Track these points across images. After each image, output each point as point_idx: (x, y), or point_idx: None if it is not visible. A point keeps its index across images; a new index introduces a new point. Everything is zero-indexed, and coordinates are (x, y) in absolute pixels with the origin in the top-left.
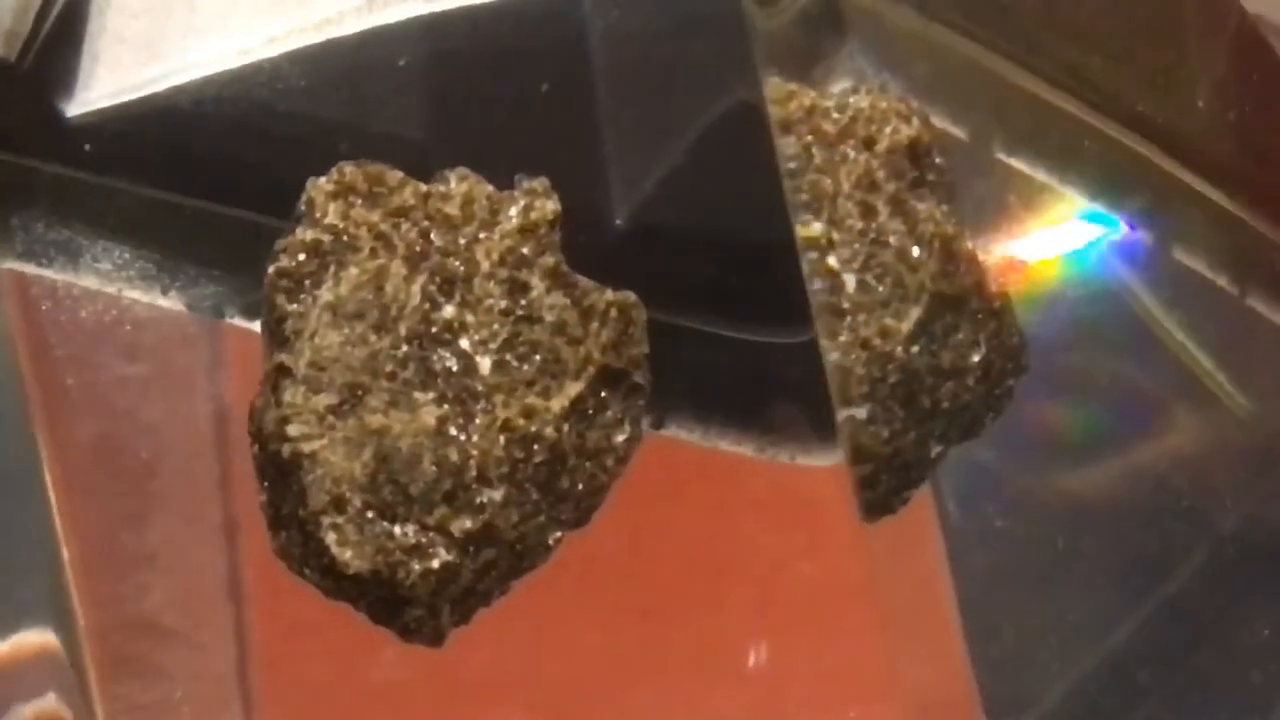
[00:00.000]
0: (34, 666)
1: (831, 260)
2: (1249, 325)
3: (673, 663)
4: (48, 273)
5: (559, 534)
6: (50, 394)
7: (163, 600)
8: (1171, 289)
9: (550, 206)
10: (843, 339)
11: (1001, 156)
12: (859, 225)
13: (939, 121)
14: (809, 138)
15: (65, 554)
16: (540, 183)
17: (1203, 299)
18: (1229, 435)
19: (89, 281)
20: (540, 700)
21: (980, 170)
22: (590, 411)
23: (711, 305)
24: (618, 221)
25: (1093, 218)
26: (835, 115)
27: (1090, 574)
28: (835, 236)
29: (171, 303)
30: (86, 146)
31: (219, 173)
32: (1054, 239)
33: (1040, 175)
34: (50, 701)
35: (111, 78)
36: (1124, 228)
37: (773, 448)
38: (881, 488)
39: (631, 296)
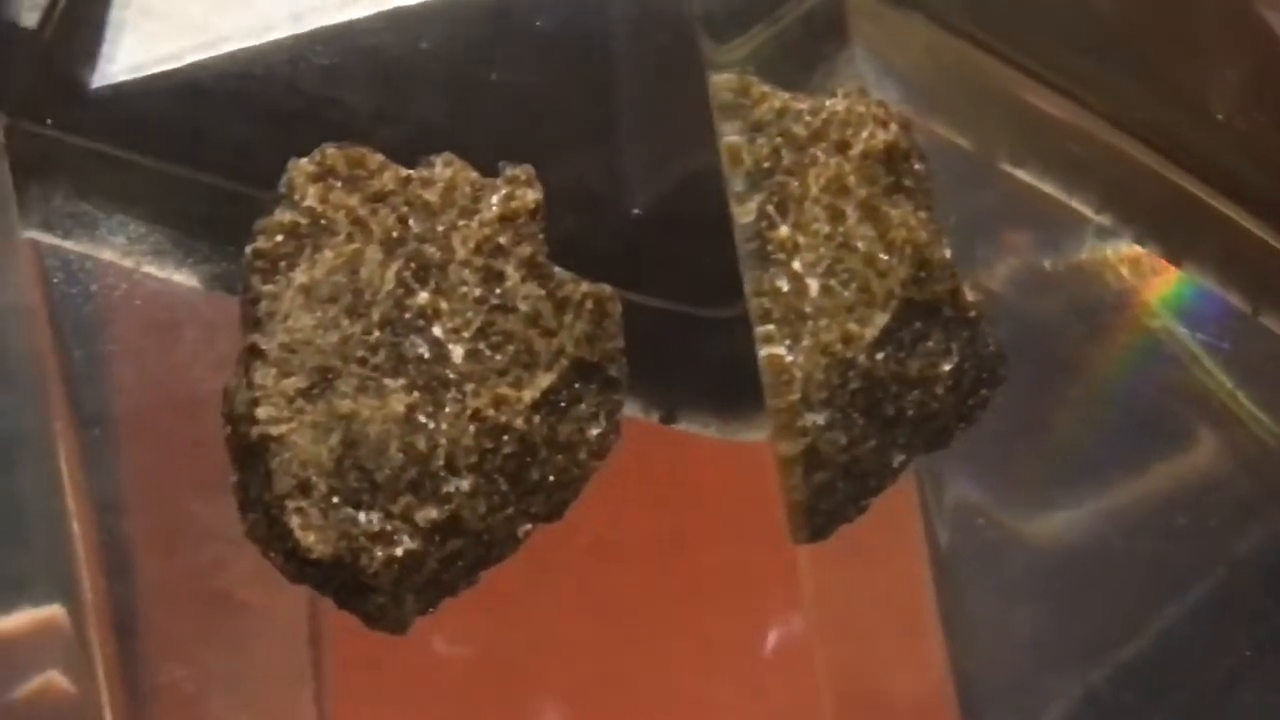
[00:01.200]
0: (39, 640)
1: (796, 264)
2: (1270, 342)
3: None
4: (66, 244)
5: (528, 526)
6: (62, 367)
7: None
8: (1189, 305)
9: (531, 195)
10: (805, 344)
11: (1007, 167)
12: (826, 229)
13: (943, 130)
14: (778, 140)
15: (76, 527)
16: (524, 170)
17: (1221, 315)
18: (1248, 456)
19: (105, 255)
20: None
21: (984, 181)
22: (562, 404)
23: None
24: (635, 211)
25: (1101, 231)
26: (808, 118)
27: (1092, 596)
28: (801, 240)
29: (185, 278)
30: (107, 119)
31: (237, 150)
32: (1060, 252)
33: (1047, 187)
34: (55, 676)
35: (135, 51)
36: (1133, 241)
37: None
38: (838, 495)
39: (607, 289)
